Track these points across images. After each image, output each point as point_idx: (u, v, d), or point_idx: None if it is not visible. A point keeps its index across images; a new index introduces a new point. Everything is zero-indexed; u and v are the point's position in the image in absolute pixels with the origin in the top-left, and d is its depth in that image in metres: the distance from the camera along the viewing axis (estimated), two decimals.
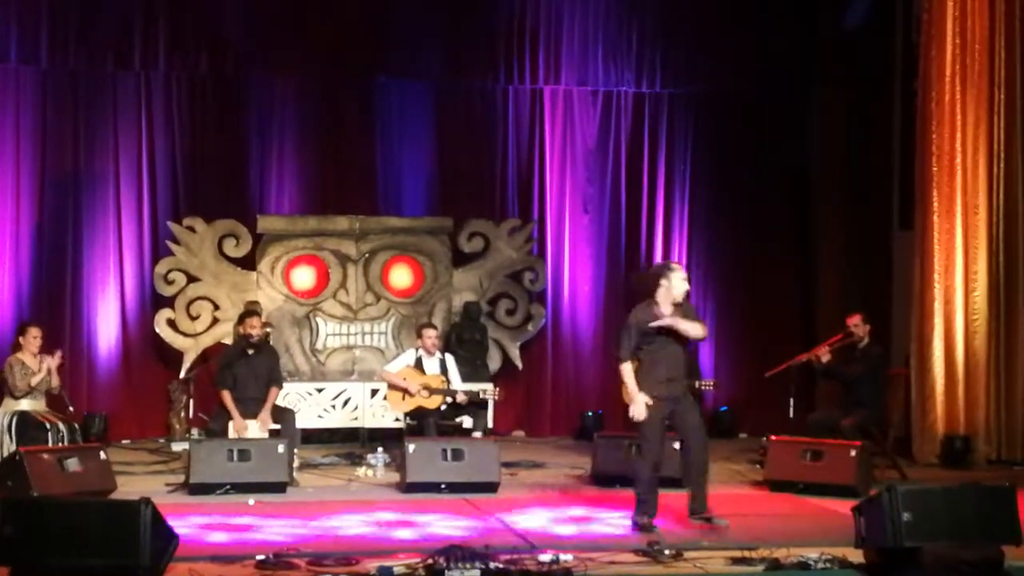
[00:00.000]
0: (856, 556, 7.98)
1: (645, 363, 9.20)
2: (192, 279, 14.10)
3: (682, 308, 9.20)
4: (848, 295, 14.34)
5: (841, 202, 15.31)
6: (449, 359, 12.28)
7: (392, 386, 12.02)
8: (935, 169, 12.98)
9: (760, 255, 15.35)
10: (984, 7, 12.96)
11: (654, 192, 15.40)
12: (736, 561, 8.02)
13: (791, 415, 12.81)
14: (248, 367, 11.51)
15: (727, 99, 15.39)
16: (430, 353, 12.13)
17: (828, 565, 7.89)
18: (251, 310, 12.58)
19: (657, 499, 9.23)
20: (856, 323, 11.97)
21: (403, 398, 11.94)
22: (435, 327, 12.69)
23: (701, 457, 9.31)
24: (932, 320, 12.96)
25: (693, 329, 9.18)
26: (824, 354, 11.90)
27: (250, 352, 11.56)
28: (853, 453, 10.63)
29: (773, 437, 11.29)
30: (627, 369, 9.16)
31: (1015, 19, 13.00)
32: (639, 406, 9.05)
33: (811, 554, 8.02)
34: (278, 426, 11.41)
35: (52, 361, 11.64)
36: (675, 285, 9.16)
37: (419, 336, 12.30)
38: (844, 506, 8.81)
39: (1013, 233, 13.03)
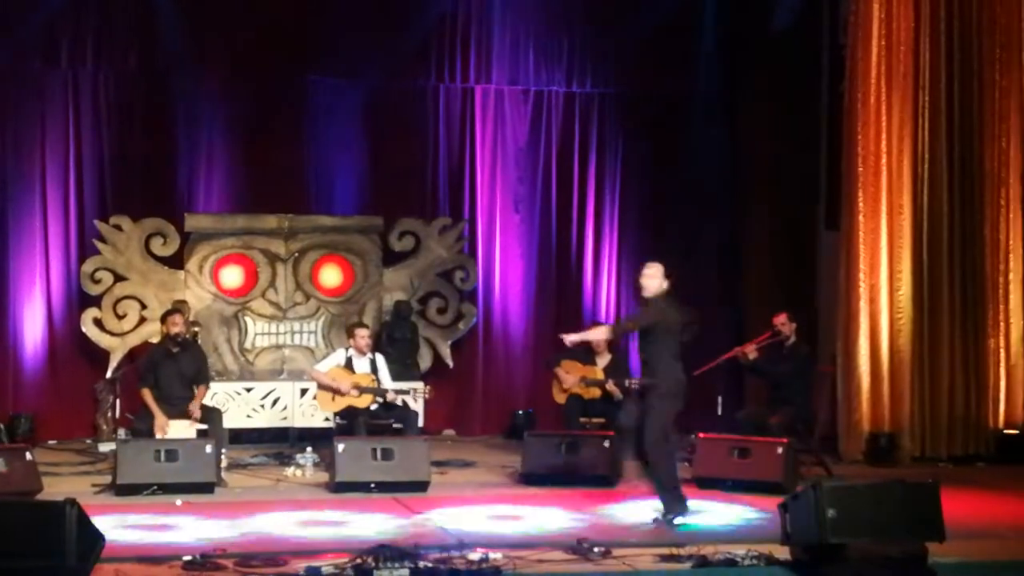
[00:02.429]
0: (782, 553, 8.06)
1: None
2: (119, 278, 13.96)
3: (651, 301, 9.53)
4: (775, 294, 14.45)
5: (768, 202, 15.41)
6: (380, 358, 12.26)
7: (322, 386, 11.99)
8: (861, 170, 13.12)
9: (689, 254, 15.40)
10: (909, 10, 13.12)
11: (584, 191, 15.44)
12: (664, 558, 8.09)
13: (719, 413, 12.92)
14: (174, 366, 11.44)
15: (656, 99, 15.45)
16: (362, 353, 12.11)
17: (755, 562, 7.97)
18: (173, 308, 12.50)
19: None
20: (782, 321, 12.09)
21: (333, 398, 11.91)
22: (367, 327, 12.69)
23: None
24: (857, 319, 13.09)
25: (592, 335, 10.59)
26: (751, 351, 12.00)
27: (175, 351, 11.49)
28: (780, 450, 10.73)
29: (701, 434, 11.37)
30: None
31: (939, 21, 13.19)
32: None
33: (738, 551, 8.10)
34: (205, 426, 11.35)
35: None
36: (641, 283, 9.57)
37: (351, 336, 12.28)
38: (771, 503, 8.91)
39: (937, 233, 13.22)
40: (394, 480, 10.62)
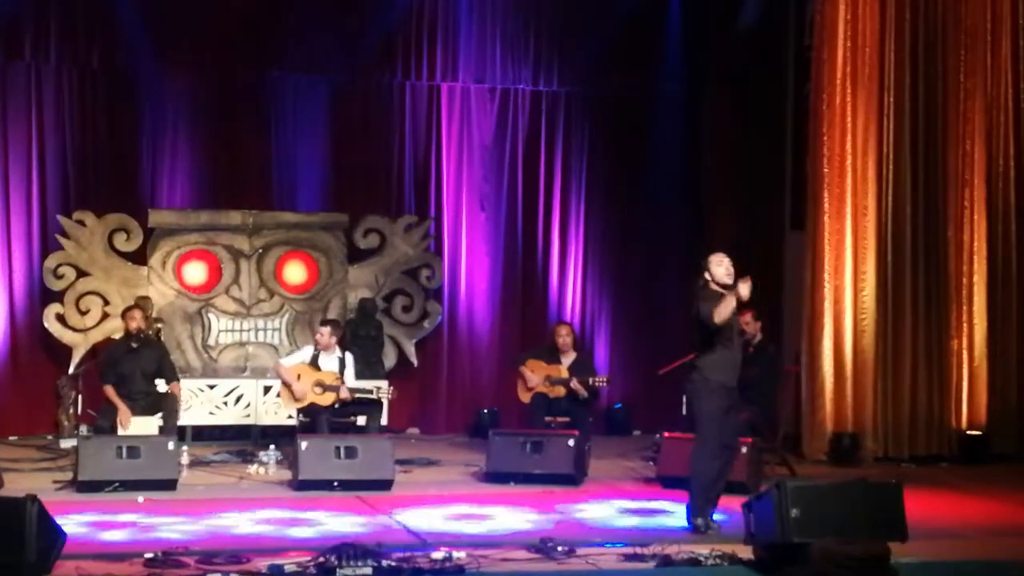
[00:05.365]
0: (746, 552, 8.08)
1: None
2: (82, 273, 13.87)
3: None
4: None
5: (734, 202, 15.44)
6: (348, 358, 12.23)
7: (282, 381, 11.96)
8: (826, 170, 13.17)
9: (654, 253, 15.45)
10: (874, 11, 13.19)
11: (550, 190, 15.43)
12: (628, 558, 8.09)
13: (684, 412, 12.89)
14: (134, 362, 11.41)
15: (622, 98, 15.48)
16: (325, 350, 12.07)
17: (718, 561, 7.99)
18: (133, 304, 12.43)
19: (716, 497, 9.23)
20: (747, 321, 12.09)
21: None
22: (329, 325, 12.55)
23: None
24: (822, 319, 13.14)
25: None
26: None
27: (135, 347, 11.44)
28: (744, 450, 10.73)
29: (666, 434, 11.38)
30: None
31: (905, 23, 13.26)
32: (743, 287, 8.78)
33: (702, 550, 8.11)
34: (160, 419, 11.33)
35: None
36: (715, 273, 9.19)
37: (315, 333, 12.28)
38: (735, 502, 8.92)
39: (901, 234, 13.29)
40: (358, 478, 10.58)
